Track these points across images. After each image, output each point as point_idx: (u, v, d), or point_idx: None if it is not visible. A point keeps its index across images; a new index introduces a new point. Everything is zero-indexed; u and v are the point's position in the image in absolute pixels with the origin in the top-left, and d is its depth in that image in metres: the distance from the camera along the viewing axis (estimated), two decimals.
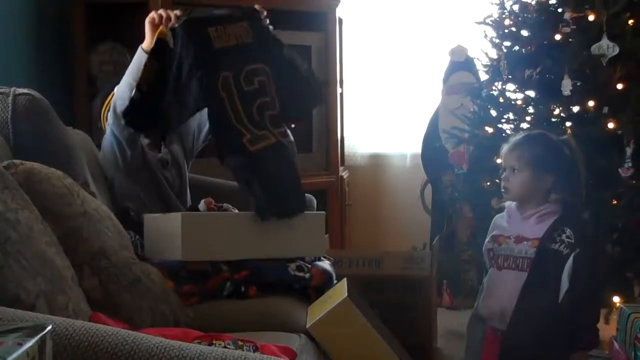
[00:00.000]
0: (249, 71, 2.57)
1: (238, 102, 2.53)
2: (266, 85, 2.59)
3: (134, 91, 2.45)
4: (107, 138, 2.72)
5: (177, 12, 2.55)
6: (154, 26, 2.58)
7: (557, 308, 2.38)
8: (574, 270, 2.37)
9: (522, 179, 2.52)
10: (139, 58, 2.60)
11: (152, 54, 2.47)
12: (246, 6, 2.69)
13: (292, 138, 2.68)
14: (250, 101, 2.54)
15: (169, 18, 2.53)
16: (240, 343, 1.69)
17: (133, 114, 2.46)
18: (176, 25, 2.47)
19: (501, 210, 2.72)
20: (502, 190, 2.61)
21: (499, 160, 3.24)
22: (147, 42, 2.62)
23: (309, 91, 2.80)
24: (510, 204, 2.63)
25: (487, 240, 2.63)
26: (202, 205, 2.64)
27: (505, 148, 2.61)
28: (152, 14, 2.58)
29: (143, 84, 2.43)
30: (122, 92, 2.58)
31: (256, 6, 2.66)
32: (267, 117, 2.57)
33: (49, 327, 1.03)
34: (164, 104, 2.45)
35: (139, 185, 2.76)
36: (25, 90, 2.23)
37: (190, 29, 2.48)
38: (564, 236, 2.43)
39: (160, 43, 2.47)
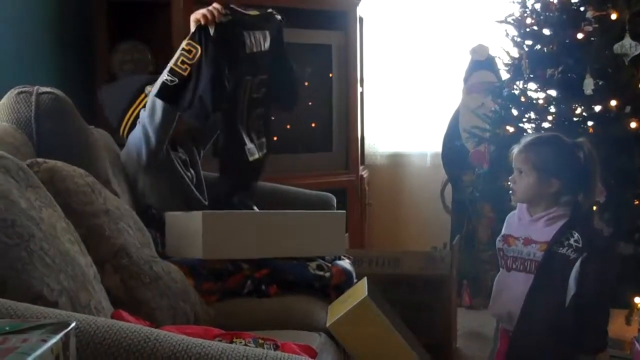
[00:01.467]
0: (260, 80, 2.76)
1: (246, 107, 2.75)
2: (266, 96, 2.80)
3: (167, 75, 2.55)
4: (135, 134, 2.74)
5: (220, 8, 2.61)
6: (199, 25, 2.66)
7: (564, 311, 2.35)
8: (580, 274, 2.35)
9: (528, 182, 2.51)
10: None
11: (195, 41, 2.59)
12: (271, 13, 2.81)
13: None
14: (254, 108, 2.76)
15: (214, 16, 2.59)
16: (260, 341, 1.70)
17: (173, 96, 2.58)
18: (223, 19, 2.58)
19: (515, 208, 2.71)
20: (510, 192, 2.60)
21: None
22: None
23: (290, 95, 2.96)
24: (521, 204, 2.62)
25: (498, 238, 2.62)
26: None
27: (515, 149, 2.59)
28: (199, 14, 2.61)
29: (187, 70, 2.56)
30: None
31: (277, 15, 2.80)
32: (258, 126, 2.80)
33: (73, 324, 1.04)
34: (198, 91, 2.57)
35: (162, 183, 2.77)
36: (48, 89, 2.24)
37: (232, 29, 2.62)
38: (571, 240, 2.41)
39: (203, 31, 2.58)
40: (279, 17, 2.82)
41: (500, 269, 2.61)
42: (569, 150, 2.52)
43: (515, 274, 2.52)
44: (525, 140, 2.60)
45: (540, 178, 2.49)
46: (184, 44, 2.59)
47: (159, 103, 2.60)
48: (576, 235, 2.41)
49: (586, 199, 2.52)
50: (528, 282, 2.45)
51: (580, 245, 2.38)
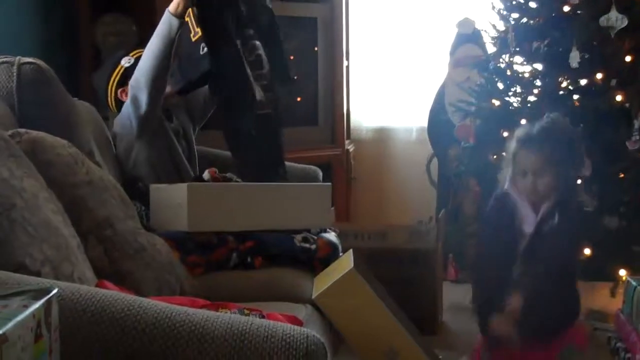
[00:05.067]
0: (250, 44, 2.75)
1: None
2: (262, 59, 2.78)
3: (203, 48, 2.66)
4: (127, 102, 2.74)
5: None
6: None
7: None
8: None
9: (545, 181, 2.33)
10: (168, 22, 2.62)
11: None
12: None
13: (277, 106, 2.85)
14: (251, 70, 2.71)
15: None
16: (246, 311, 1.69)
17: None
18: None
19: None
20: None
21: (505, 134, 3.22)
22: (174, 6, 2.62)
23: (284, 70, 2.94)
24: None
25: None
26: (206, 174, 2.65)
27: (515, 147, 2.39)
28: None
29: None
30: (150, 60, 2.65)
31: None
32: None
33: (55, 291, 1.03)
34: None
35: (154, 151, 2.76)
36: (30, 60, 2.21)
37: None
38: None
39: None
40: None
41: None
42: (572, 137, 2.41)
43: None
44: (524, 135, 2.39)
45: (558, 173, 2.33)
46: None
47: (145, 66, 2.61)
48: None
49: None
50: None
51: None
